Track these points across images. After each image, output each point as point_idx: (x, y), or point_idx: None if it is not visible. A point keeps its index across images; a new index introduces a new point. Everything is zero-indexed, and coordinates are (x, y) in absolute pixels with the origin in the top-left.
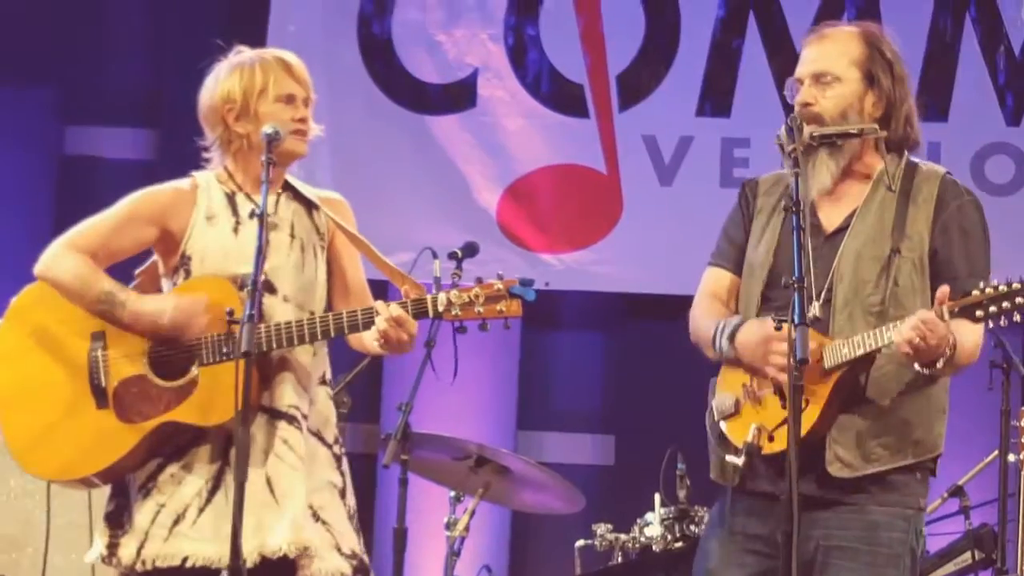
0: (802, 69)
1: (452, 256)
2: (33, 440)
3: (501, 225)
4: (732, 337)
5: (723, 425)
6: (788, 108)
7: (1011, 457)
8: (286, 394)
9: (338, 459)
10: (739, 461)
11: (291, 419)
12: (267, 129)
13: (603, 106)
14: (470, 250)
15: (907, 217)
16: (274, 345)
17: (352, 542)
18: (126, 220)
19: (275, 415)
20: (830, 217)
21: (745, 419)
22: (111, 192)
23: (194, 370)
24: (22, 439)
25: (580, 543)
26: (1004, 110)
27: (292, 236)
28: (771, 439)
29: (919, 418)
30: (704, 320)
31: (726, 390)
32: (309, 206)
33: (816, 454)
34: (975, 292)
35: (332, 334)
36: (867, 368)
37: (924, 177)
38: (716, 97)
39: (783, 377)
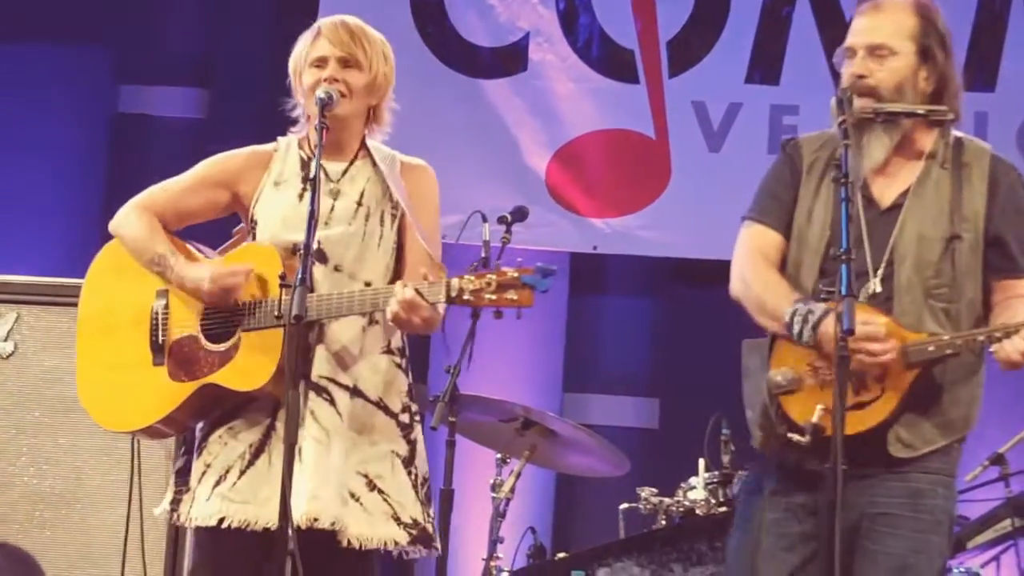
0: (856, 39)
1: (502, 220)
2: (96, 387)
3: (550, 188)
4: (816, 326)
5: (781, 401)
6: (837, 77)
7: None
8: (318, 365)
9: (406, 427)
10: (805, 440)
11: (320, 390)
12: (320, 93)
13: (653, 72)
14: (520, 214)
15: (963, 197)
16: (311, 315)
17: (415, 511)
18: (197, 183)
19: (308, 386)
20: (884, 192)
21: (808, 397)
22: (163, 150)
23: (237, 335)
24: (89, 384)
25: (624, 506)
26: None
27: (359, 204)
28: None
29: (967, 396)
30: (768, 289)
31: (786, 365)
32: (389, 173)
33: (879, 435)
34: None
35: (354, 311)
36: (943, 361)
37: (973, 154)
38: (765, 64)
39: (872, 371)
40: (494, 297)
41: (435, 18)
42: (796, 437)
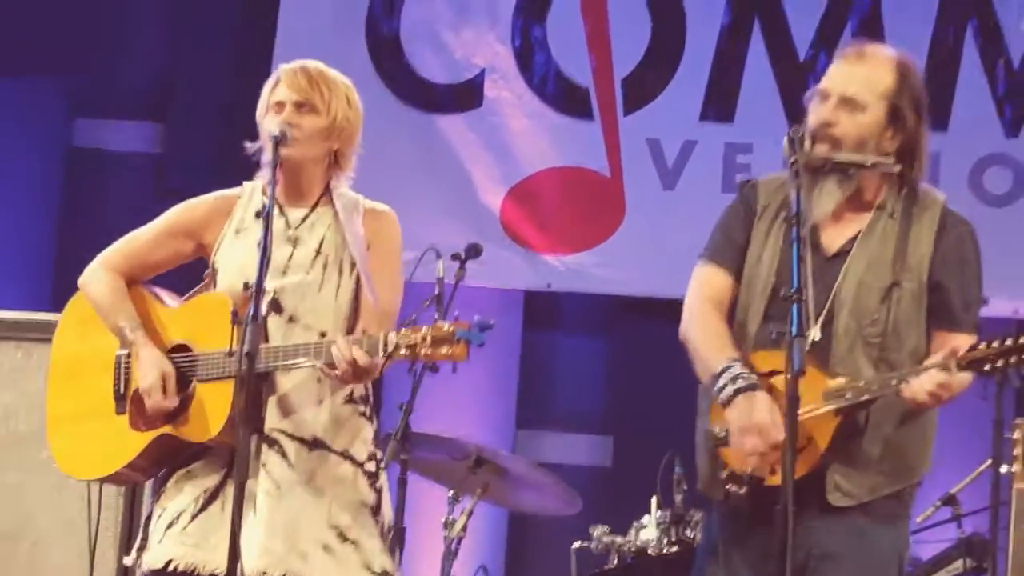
0: (832, 85)
1: (455, 257)
2: (63, 435)
3: (505, 225)
4: (736, 392)
5: (721, 451)
6: (791, 115)
7: (1003, 468)
8: (270, 417)
9: (372, 475)
10: (742, 491)
11: (272, 442)
12: (273, 130)
13: (608, 109)
14: (474, 251)
15: (908, 246)
16: (260, 367)
17: (384, 560)
18: (163, 234)
19: (260, 439)
20: (832, 239)
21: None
22: (119, 185)
23: (193, 384)
24: (57, 432)
25: (576, 545)
26: (1003, 121)
27: (318, 252)
28: (774, 471)
29: (915, 443)
30: (708, 341)
31: (724, 416)
32: (347, 218)
33: (816, 483)
34: (982, 346)
35: (301, 363)
36: (868, 406)
37: (925, 205)
38: (720, 102)
39: (747, 463)
40: (429, 351)
41: (391, 54)
42: (733, 488)
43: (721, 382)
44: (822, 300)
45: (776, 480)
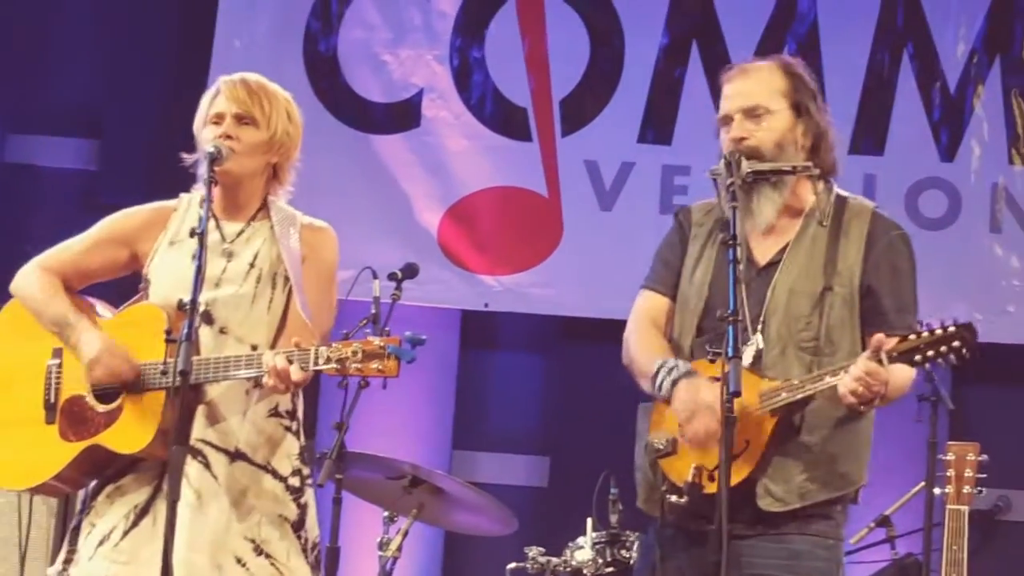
0: (730, 105)
1: (392, 277)
2: None
3: (442, 245)
4: (676, 382)
5: (660, 463)
6: None
7: (936, 490)
8: (197, 428)
9: (296, 491)
10: (683, 501)
11: (196, 452)
12: (209, 147)
13: (546, 130)
14: (410, 271)
15: (838, 252)
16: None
17: (304, 574)
18: (97, 242)
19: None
20: (763, 250)
21: (683, 459)
22: (52, 201)
23: (122, 396)
24: None
25: (512, 566)
26: (938, 146)
27: (252, 266)
28: (712, 479)
29: (847, 451)
30: (644, 351)
31: (663, 428)
32: (282, 233)
33: (749, 490)
34: (912, 337)
35: (231, 375)
36: (803, 408)
37: (854, 212)
38: (658, 124)
39: (697, 442)
40: (360, 366)
41: (328, 73)
42: (675, 498)
43: (659, 378)
44: (756, 311)
45: (714, 488)
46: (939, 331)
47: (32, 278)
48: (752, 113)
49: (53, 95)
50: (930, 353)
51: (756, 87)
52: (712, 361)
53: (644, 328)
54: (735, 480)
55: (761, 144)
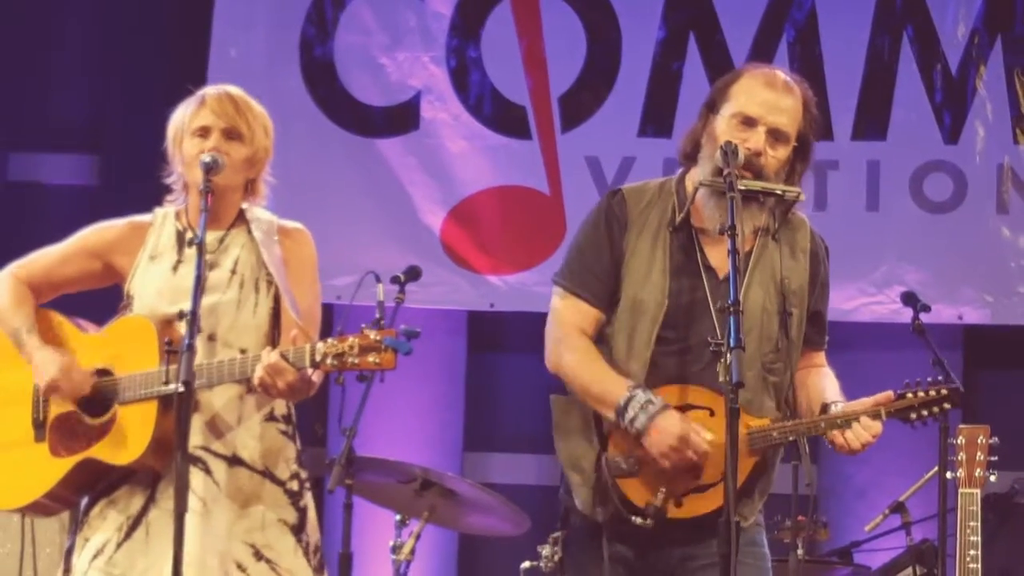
0: (763, 114)
1: (395, 280)
2: None
3: (445, 246)
4: (653, 417)
5: (620, 483)
6: None
7: (949, 474)
8: (194, 435)
9: (295, 495)
10: (647, 523)
11: (196, 460)
12: (205, 157)
13: (546, 127)
14: (413, 274)
15: (793, 270)
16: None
17: None
18: (71, 252)
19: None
20: (719, 260)
21: (647, 481)
22: (55, 218)
23: (114, 408)
24: None
25: (526, 565)
26: (941, 128)
27: (234, 272)
28: (679, 505)
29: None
30: (595, 376)
31: (624, 446)
32: (264, 240)
33: (716, 516)
34: (909, 395)
35: (225, 379)
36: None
37: (795, 225)
38: (658, 118)
39: (685, 468)
40: (357, 361)
41: (325, 79)
42: (638, 520)
43: (631, 412)
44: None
45: (680, 513)
46: (933, 392)
47: (4, 286)
48: (777, 134)
49: (52, 112)
50: (924, 412)
51: (792, 115)
52: (715, 352)
53: (583, 346)
54: (709, 508)
55: (768, 168)
